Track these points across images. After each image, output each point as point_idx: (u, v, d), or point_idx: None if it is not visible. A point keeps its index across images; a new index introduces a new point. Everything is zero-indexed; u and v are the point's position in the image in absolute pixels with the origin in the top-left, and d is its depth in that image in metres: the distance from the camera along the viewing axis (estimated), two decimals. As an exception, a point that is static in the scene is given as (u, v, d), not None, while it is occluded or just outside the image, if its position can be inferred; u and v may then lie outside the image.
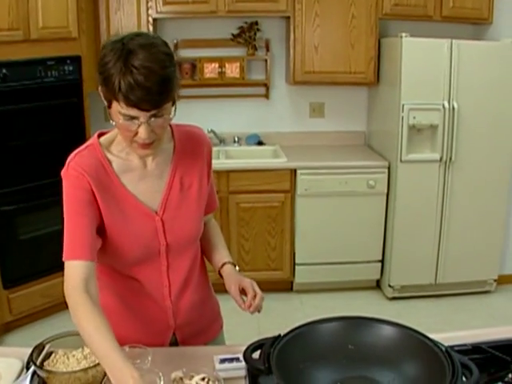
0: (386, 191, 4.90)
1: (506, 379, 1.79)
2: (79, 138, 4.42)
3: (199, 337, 2.13)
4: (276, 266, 5.03)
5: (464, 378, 1.51)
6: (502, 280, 5.18)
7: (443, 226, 4.85)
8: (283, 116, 5.45)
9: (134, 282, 1.97)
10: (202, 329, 2.15)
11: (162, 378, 1.73)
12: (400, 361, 1.65)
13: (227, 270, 2.08)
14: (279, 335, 1.66)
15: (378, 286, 5.27)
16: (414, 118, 4.61)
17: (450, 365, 1.51)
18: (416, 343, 1.64)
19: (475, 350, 1.91)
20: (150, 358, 1.86)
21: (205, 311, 2.14)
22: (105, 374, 1.73)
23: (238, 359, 1.85)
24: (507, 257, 5.21)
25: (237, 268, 2.10)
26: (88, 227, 1.78)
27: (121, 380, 1.51)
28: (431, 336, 1.77)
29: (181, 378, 1.77)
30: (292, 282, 5.19)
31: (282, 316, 4.67)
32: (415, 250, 4.91)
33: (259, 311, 1.96)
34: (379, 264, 5.11)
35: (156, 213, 1.91)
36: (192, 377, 1.76)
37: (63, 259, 1.77)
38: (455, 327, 4.50)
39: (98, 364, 1.74)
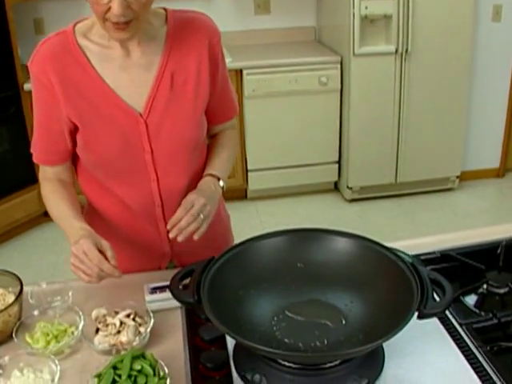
0: (339, 88, 4.62)
1: (480, 290, 1.57)
2: (5, 53, 4.15)
3: None
4: (227, 173, 4.74)
5: (436, 296, 1.27)
6: (465, 176, 5.03)
7: (402, 122, 4.61)
8: (226, 15, 5.04)
9: (121, 201, 1.70)
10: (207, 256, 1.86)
11: (82, 318, 1.50)
12: (358, 280, 1.40)
13: (200, 183, 1.70)
14: (212, 258, 1.39)
15: (336, 188, 5.09)
16: (366, 8, 4.28)
17: (418, 282, 1.25)
18: (376, 257, 1.38)
19: (444, 258, 1.68)
20: (70, 294, 1.62)
21: (212, 236, 1.76)
22: (19, 318, 1.53)
23: (171, 287, 1.58)
24: (469, 153, 5.04)
25: (221, 183, 1.73)
26: (56, 130, 1.64)
27: (72, 235, 1.53)
28: (393, 245, 1.53)
29: (104, 316, 1.51)
30: (246, 190, 4.97)
31: (237, 225, 4.37)
32: (373, 149, 4.69)
33: (184, 236, 1.58)
34: (336, 165, 4.89)
35: (140, 114, 1.60)
36: (116, 313, 1.50)
37: (34, 160, 1.74)
38: (419, 227, 4.42)
39: (10, 306, 1.50)
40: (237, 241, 1.51)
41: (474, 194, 4.94)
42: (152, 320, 1.46)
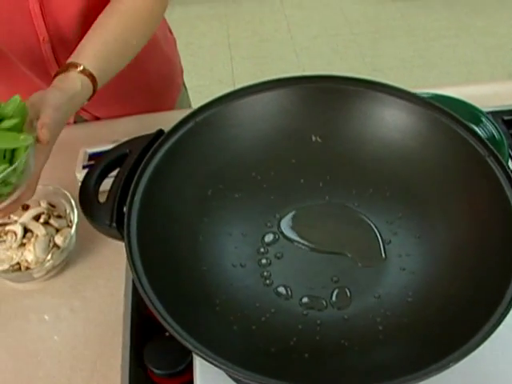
0: None
1: None
2: None
3: None
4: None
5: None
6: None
7: None
8: None
9: None
10: (129, 110, 1.26)
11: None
12: (415, 181, 0.78)
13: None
14: (160, 132, 0.76)
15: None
16: None
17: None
18: (452, 147, 0.75)
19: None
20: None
21: (142, 74, 1.21)
22: None
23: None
24: None
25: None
26: None
27: None
28: (456, 90, 0.96)
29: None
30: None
31: (257, 21, 3.87)
32: None
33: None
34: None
35: None
36: (27, 208, 0.94)
37: None
38: (473, 35, 3.66)
39: None
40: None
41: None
42: (76, 220, 0.90)
